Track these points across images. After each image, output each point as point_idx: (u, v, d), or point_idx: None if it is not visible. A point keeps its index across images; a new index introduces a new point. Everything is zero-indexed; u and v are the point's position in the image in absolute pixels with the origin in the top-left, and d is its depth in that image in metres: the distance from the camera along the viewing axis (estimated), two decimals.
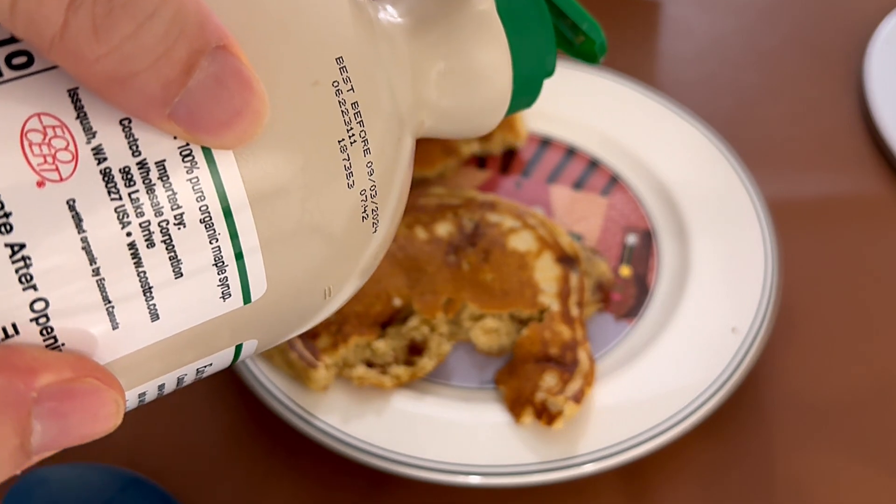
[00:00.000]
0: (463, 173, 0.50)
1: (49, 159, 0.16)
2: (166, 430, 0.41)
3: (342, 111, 0.19)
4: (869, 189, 0.51)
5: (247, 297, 0.19)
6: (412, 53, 0.23)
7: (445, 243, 0.44)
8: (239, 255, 0.18)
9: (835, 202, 0.50)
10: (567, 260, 0.44)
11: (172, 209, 0.17)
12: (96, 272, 0.16)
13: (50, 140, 0.16)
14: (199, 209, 0.17)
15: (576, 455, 0.37)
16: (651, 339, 0.42)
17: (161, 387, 0.20)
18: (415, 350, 0.41)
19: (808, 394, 0.42)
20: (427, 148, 0.49)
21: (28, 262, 0.16)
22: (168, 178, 0.17)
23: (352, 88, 0.19)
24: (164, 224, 0.17)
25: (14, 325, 0.16)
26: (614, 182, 0.49)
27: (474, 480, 0.36)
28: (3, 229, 0.16)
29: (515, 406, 0.39)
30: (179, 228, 0.17)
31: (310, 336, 0.39)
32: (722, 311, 0.42)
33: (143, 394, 0.20)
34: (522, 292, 0.42)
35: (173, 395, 0.42)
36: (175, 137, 0.17)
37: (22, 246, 0.16)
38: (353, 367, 0.39)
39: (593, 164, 0.50)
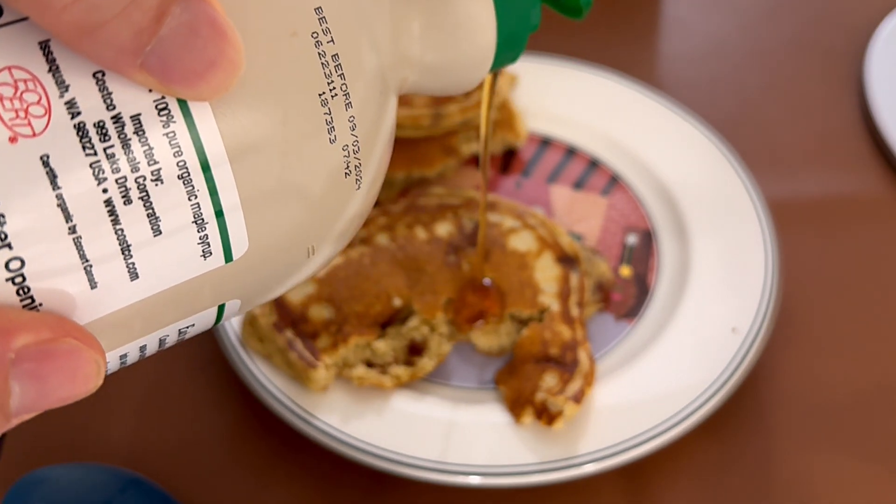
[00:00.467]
0: (463, 173, 0.50)
1: (21, 114, 0.16)
2: (166, 431, 0.41)
3: (322, 63, 0.19)
4: (869, 189, 0.51)
5: (228, 256, 0.18)
6: (394, 7, 0.22)
7: (445, 243, 0.44)
8: (219, 213, 0.18)
9: (835, 202, 0.50)
10: (567, 260, 0.44)
11: (149, 165, 0.17)
12: (72, 230, 0.16)
13: (21, 94, 0.16)
14: (177, 164, 0.17)
15: (576, 455, 0.37)
16: (651, 339, 0.42)
17: (143, 348, 0.20)
18: (415, 350, 0.41)
19: (808, 394, 0.42)
20: (427, 148, 0.49)
21: (1, 220, 0.16)
22: (144, 133, 0.17)
23: (332, 40, 0.19)
24: (140, 180, 0.17)
25: None
26: (614, 182, 0.49)
27: (474, 480, 0.36)
28: None
29: (515, 406, 0.39)
30: (157, 185, 0.17)
31: (310, 336, 0.39)
32: (722, 312, 0.42)
33: (125, 355, 0.19)
34: (522, 292, 0.42)
35: (173, 395, 0.42)
36: (150, 91, 0.16)
37: None
38: (352, 367, 0.39)
39: (593, 164, 0.50)
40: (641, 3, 0.63)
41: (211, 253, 0.18)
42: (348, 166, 0.20)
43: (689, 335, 0.41)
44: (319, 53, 0.19)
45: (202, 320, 0.20)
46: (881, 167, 0.52)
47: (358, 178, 0.20)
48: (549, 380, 0.39)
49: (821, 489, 0.39)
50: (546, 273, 0.43)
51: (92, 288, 0.17)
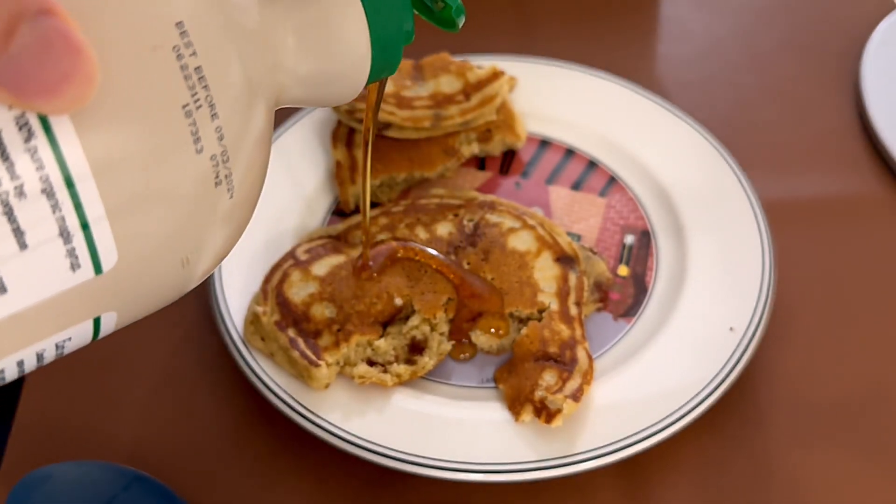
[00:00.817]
0: (463, 174, 0.51)
1: None
2: (169, 429, 0.41)
3: (185, 76, 0.19)
4: (865, 189, 0.51)
5: (97, 268, 0.19)
6: (265, 20, 0.23)
7: (446, 243, 0.44)
8: (84, 225, 0.18)
9: (831, 202, 0.50)
10: (566, 260, 0.44)
11: (11, 180, 0.17)
12: None
13: None
14: (40, 179, 0.17)
15: (574, 452, 0.37)
16: (649, 338, 0.42)
17: (20, 363, 0.20)
18: (415, 349, 0.41)
19: (804, 392, 0.42)
20: (428, 149, 0.49)
21: None
22: (4, 149, 0.17)
23: (194, 52, 0.19)
24: (3, 195, 0.17)
25: None
26: (613, 182, 0.50)
27: (474, 477, 0.37)
28: None
29: (515, 404, 0.39)
30: (20, 199, 0.17)
31: (312, 335, 0.40)
32: (719, 311, 0.42)
33: (2, 371, 0.19)
34: (522, 291, 0.43)
35: (177, 393, 0.42)
36: (10, 108, 0.17)
37: None
38: (354, 366, 0.40)
39: (592, 165, 0.51)
40: (639, 5, 0.64)
41: (80, 265, 0.18)
42: (218, 175, 0.20)
43: (687, 334, 0.42)
44: (182, 66, 0.19)
45: (78, 334, 0.20)
46: (876, 168, 0.52)
47: (230, 186, 0.20)
48: (548, 378, 0.39)
49: (815, 485, 0.39)
50: (545, 272, 0.43)
51: None
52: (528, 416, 0.38)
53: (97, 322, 0.20)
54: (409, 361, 0.41)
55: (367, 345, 0.41)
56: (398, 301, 0.42)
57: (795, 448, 0.40)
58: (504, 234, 0.45)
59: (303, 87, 0.24)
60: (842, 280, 0.47)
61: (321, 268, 0.43)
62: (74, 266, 0.18)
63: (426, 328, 0.41)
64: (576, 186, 0.50)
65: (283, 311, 0.40)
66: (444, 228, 0.45)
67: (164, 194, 0.19)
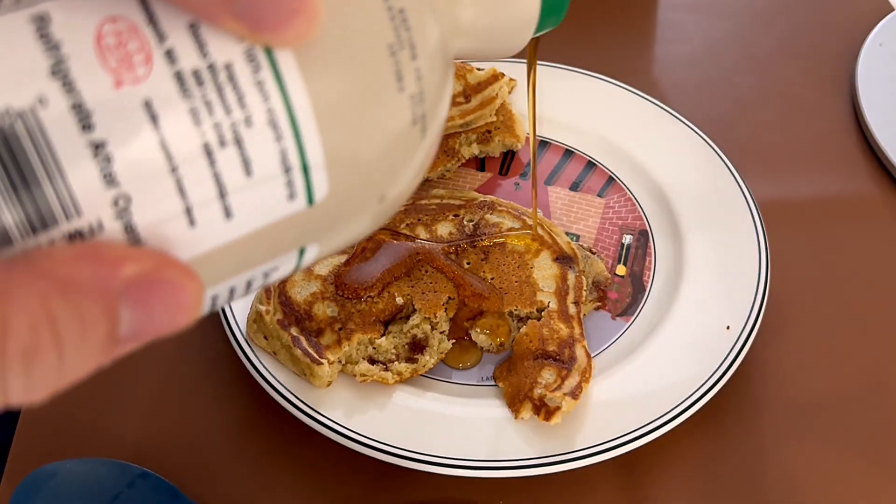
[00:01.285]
0: (463, 175, 0.51)
1: (125, 61, 0.17)
2: (173, 426, 0.42)
3: (391, 17, 0.20)
4: (860, 190, 0.51)
5: (310, 198, 0.20)
6: None
7: (446, 243, 0.45)
8: (302, 153, 0.19)
9: (826, 203, 0.51)
10: (565, 259, 0.44)
11: (241, 109, 0.18)
12: (174, 170, 0.17)
13: (125, 43, 0.17)
14: (266, 110, 0.18)
15: (573, 449, 0.38)
16: (647, 336, 0.43)
17: (232, 290, 0.21)
18: (416, 347, 0.42)
19: (798, 389, 0.43)
20: None
21: (110, 159, 0.17)
22: (236, 80, 0.18)
23: None
24: (234, 124, 0.18)
25: (99, 222, 0.17)
26: (611, 183, 0.50)
27: (474, 473, 0.37)
28: (85, 128, 0.16)
29: (514, 402, 0.39)
30: (249, 129, 0.18)
31: (314, 333, 0.40)
32: (716, 310, 0.43)
33: (216, 296, 0.20)
34: (521, 291, 0.43)
35: (181, 391, 0.43)
36: (240, 41, 0.18)
37: (104, 144, 0.17)
38: (356, 364, 0.40)
39: (590, 166, 0.51)
40: (637, 8, 0.64)
41: (296, 195, 0.19)
42: (415, 115, 0.21)
43: (684, 333, 0.42)
44: (388, 7, 0.20)
45: (284, 263, 0.21)
46: (872, 168, 0.52)
47: (423, 126, 0.22)
48: (547, 376, 0.40)
49: (809, 482, 0.39)
50: (544, 272, 0.44)
51: (191, 225, 0.18)
52: (527, 413, 0.39)
53: (302, 252, 0.21)
54: (410, 360, 0.41)
55: (368, 343, 0.41)
56: (399, 300, 0.42)
57: (790, 444, 0.41)
58: (504, 234, 0.45)
59: (472, 39, 0.26)
60: (837, 279, 0.47)
61: (323, 267, 0.43)
62: (292, 195, 0.19)
63: (427, 327, 0.42)
64: (574, 187, 0.50)
65: (285, 310, 0.41)
66: (444, 228, 0.45)
67: (372, 130, 0.20)
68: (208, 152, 0.18)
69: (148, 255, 0.17)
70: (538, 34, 0.27)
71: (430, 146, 0.23)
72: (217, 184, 0.18)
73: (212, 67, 0.18)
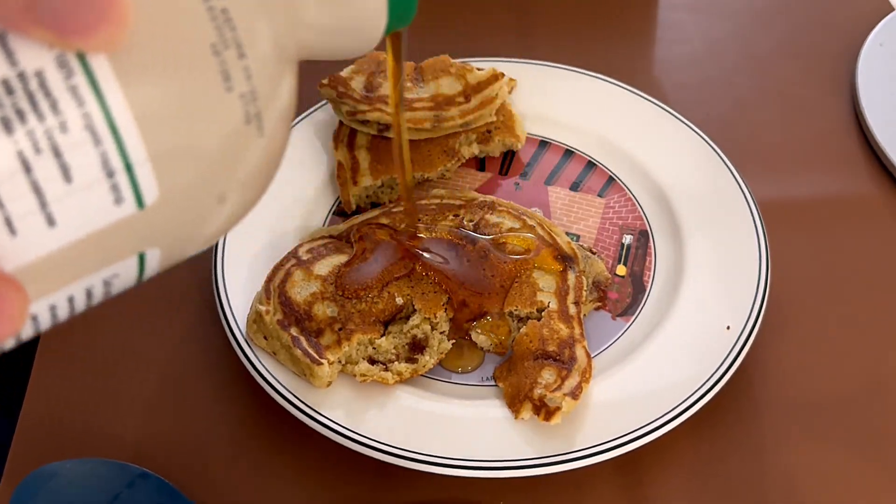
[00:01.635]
0: (463, 175, 0.51)
1: None
2: (173, 426, 0.42)
3: (212, 16, 0.20)
4: (860, 190, 0.51)
5: (140, 202, 0.19)
6: None
7: (446, 243, 0.45)
8: (125, 160, 0.19)
9: (827, 203, 0.51)
10: (565, 259, 0.44)
11: (55, 116, 0.18)
12: None
13: None
14: (82, 115, 0.18)
15: (573, 449, 0.38)
16: (647, 336, 0.43)
17: (71, 300, 0.20)
18: (416, 347, 0.42)
19: (798, 389, 0.43)
20: (428, 150, 0.50)
21: None
22: (48, 87, 0.18)
23: None
24: (49, 131, 0.18)
25: None
26: (611, 183, 0.50)
27: (474, 473, 0.37)
28: None
29: (514, 402, 0.40)
30: (65, 135, 0.18)
31: (314, 333, 0.40)
32: (716, 310, 0.43)
33: (55, 307, 0.20)
34: (521, 291, 0.43)
35: (180, 392, 0.43)
36: (50, 48, 0.18)
37: None
38: (356, 364, 0.40)
39: (591, 166, 0.51)
40: (637, 8, 0.64)
41: (123, 199, 0.19)
42: (247, 114, 0.21)
43: (684, 333, 0.42)
44: (209, 7, 0.20)
45: (125, 271, 0.21)
46: (872, 168, 0.52)
47: (260, 126, 0.21)
48: (547, 376, 0.40)
49: (809, 482, 0.39)
50: (544, 272, 0.44)
51: (12, 235, 0.18)
52: (527, 413, 0.39)
53: (142, 258, 0.21)
54: (410, 360, 0.41)
55: (368, 343, 0.41)
56: (399, 300, 0.42)
57: (790, 444, 0.41)
58: (504, 233, 0.45)
59: (319, 37, 0.25)
60: (837, 279, 0.47)
61: (323, 267, 0.43)
62: (119, 200, 0.19)
63: (427, 327, 0.42)
64: (575, 187, 0.50)
65: (285, 310, 0.41)
66: (444, 229, 0.45)
67: (198, 130, 0.20)
68: (23, 161, 0.17)
69: None
70: (390, 31, 0.27)
71: (272, 144, 0.22)
72: (36, 192, 0.18)
73: (22, 76, 0.17)
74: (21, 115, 0.17)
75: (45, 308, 0.20)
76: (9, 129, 0.17)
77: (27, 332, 0.20)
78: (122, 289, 0.22)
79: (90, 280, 0.20)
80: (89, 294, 0.21)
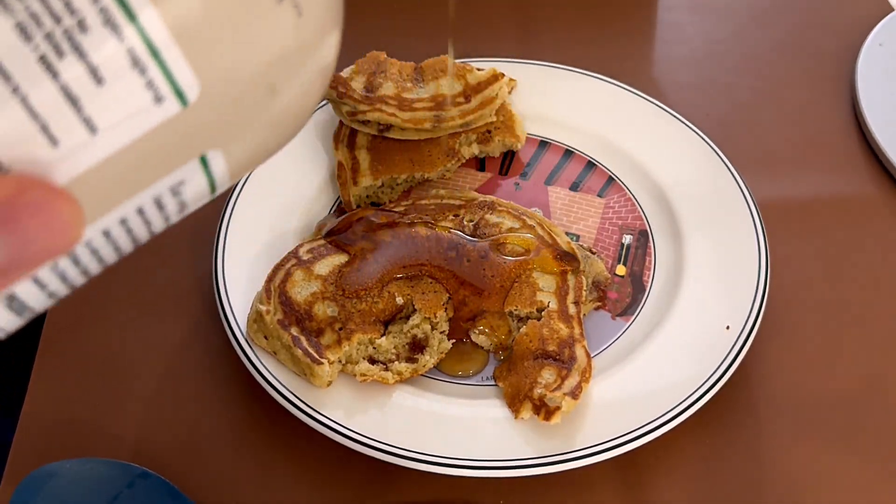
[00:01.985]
0: (463, 175, 0.51)
1: None
2: (173, 426, 0.42)
3: None
4: (859, 190, 0.51)
5: (181, 98, 0.19)
6: None
7: (446, 242, 0.45)
8: (153, 51, 0.18)
9: (826, 203, 0.51)
10: (565, 259, 0.44)
11: (71, 15, 0.17)
12: (16, 90, 0.17)
13: None
14: (99, 10, 0.17)
15: (573, 449, 0.38)
16: (647, 336, 0.43)
17: (140, 211, 0.20)
18: (416, 347, 0.42)
19: (798, 389, 0.43)
20: (429, 150, 0.50)
21: None
22: None
23: None
24: (68, 32, 0.17)
25: None
26: (611, 183, 0.50)
27: (474, 473, 0.37)
28: None
29: (514, 401, 0.40)
30: (85, 33, 0.17)
31: (314, 333, 0.40)
32: (716, 310, 0.43)
33: (125, 219, 0.19)
34: (521, 291, 0.43)
35: (180, 391, 0.43)
36: None
37: None
38: (356, 364, 0.40)
39: (590, 166, 0.51)
40: (636, 9, 0.64)
41: (163, 97, 0.18)
42: None
43: (684, 332, 0.42)
44: None
45: (191, 176, 0.20)
46: (871, 169, 0.52)
47: (295, 4, 0.20)
48: (547, 376, 0.40)
49: (808, 481, 0.39)
50: (544, 272, 0.44)
51: (53, 146, 0.17)
52: (527, 413, 0.39)
53: (205, 163, 0.20)
54: (410, 359, 0.41)
55: (368, 343, 0.41)
56: (399, 300, 0.42)
57: (790, 444, 0.41)
58: (504, 233, 0.45)
59: None
60: (836, 279, 0.47)
61: (323, 267, 0.43)
62: (158, 98, 0.18)
63: (427, 327, 0.42)
64: (574, 187, 0.50)
65: (285, 310, 0.41)
66: (444, 229, 0.45)
67: (226, 10, 0.19)
68: (48, 66, 0.17)
69: (10, 179, 0.17)
70: None
71: (312, 24, 0.21)
72: (67, 97, 0.17)
73: None
74: (36, 18, 0.17)
75: (113, 220, 0.19)
76: (26, 35, 0.17)
77: (104, 253, 0.20)
78: (195, 199, 0.21)
79: (155, 189, 0.19)
80: (160, 204, 0.20)
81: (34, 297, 0.19)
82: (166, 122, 0.19)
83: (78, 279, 0.20)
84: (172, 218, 0.21)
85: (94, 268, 0.20)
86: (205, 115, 0.19)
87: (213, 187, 0.21)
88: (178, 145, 0.19)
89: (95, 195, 0.18)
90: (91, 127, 0.18)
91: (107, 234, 0.19)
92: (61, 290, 0.20)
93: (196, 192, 0.21)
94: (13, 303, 0.19)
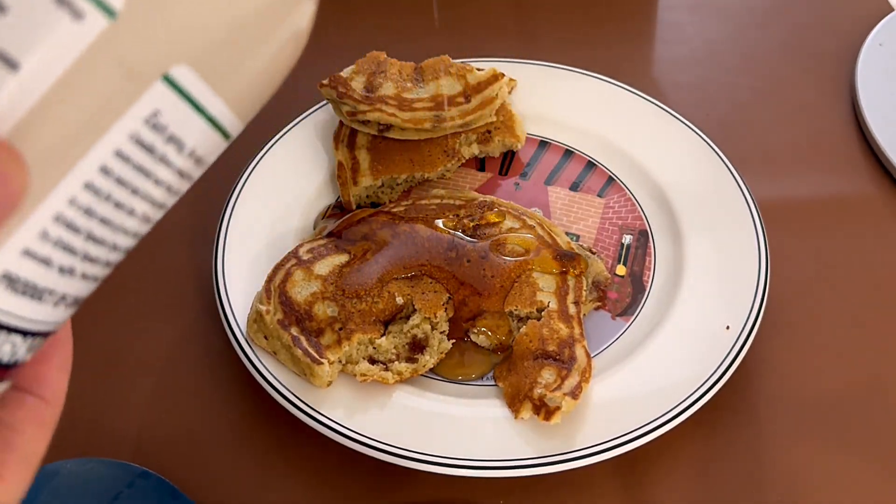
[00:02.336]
0: (463, 175, 0.51)
1: None
2: (173, 426, 0.42)
3: None
4: (859, 190, 0.51)
5: (106, 10, 0.16)
6: None
7: (446, 242, 0.45)
8: None
9: (826, 203, 0.51)
10: (565, 258, 0.44)
11: None
12: None
13: None
14: None
15: (573, 449, 0.38)
16: (647, 336, 0.43)
17: (119, 153, 0.17)
18: (416, 347, 0.42)
19: (797, 389, 0.43)
20: (429, 150, 0.50)
21: None
22: None
23: None
24: None
25: None
26: (611, 183, 0.50)
27: (474, 473, 0.37)
28: None
29: (514, 401, 0.40)
30: None
31: (314, 333, 0.40)
32: (716, 310, 0.43)
33: (104, 167, 0.17)
34: (521, 291, 0.43)
35: (180, 391, 0.43)
36: None
37: None
38: (356, 364, 0.40)
39: (590, 166, 0.51)
40: (636, 10, 0.64)
41: (82, 12, 0.16)
42: None
43: (684, 332, 0.42)
44: None
45: (166, 106, 0.17)
46: (871, 169, 0.52)
47: None
48: (547, 376, 0.40)
49: (808, 481, 0.39)
50: (544, 271, 0.44)
51: None
52: (527, 413, 0.39)
53: (172, 82, 0.17)
54: (410, 359, 0.41)
55: (368, 343, 0.41)
56: (399, 300, 0.42)
57: (790, 443, 0.41)
58: (504, 233, 0.45)
59: None
60: (836, 279, 0.47)
61: (323, 267, 0.43)
62: (76, 14, 0.16)
63: (427, 327, 0.42)
64: (574, 187, 0.50)
65: (285, 310, 0.41)
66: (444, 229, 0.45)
67: None
68: None
69: None
70: None
71: None
72: None
73: None
74: None
75: (92, 166, 0.17)
76: None
77: (106, 213, 0.17)
78: (188, 132, 0.18)
79: (124, 124, 0.17)
80: (136, 139, 0.17)
81: (73, 286, 0.18)
82: (97, 41, 0.16)
83: (93, 250, 0.17)
84: (175, 161, 0.18)
85: (105, 234, 0.17)
86: (143, 25, 0.16)
87: (202, 112, 0.18)
88: (125, 66, 0.16)
89: (49, 143, 0.16)
90: (10, 62, 0.15)
91: (91, 187, 0.17)
92: (91, 270, 0.18)
93: (181, 121, 0.18)
94: (50, 295, 0.17)
